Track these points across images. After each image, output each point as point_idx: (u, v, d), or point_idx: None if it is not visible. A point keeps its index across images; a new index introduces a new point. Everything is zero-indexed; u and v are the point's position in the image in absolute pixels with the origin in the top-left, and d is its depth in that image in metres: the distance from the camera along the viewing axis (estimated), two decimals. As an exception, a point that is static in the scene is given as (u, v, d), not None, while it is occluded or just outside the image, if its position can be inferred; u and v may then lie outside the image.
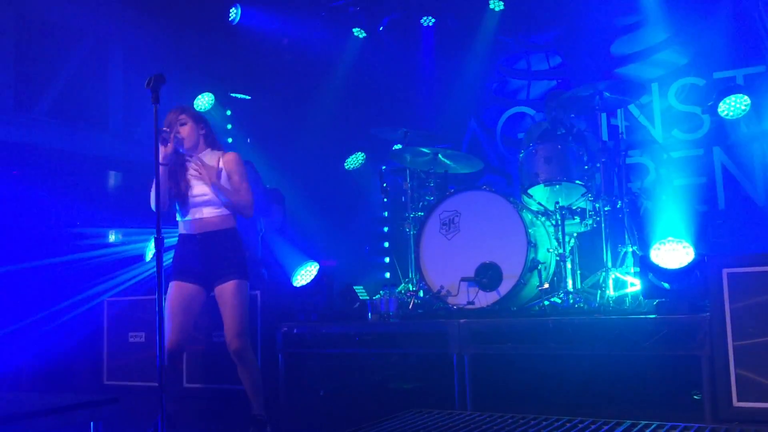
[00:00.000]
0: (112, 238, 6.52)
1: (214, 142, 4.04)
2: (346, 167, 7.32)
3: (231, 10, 7.72)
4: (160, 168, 3.68)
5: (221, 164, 3.93)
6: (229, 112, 8.15)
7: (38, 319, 6.00)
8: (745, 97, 5.70)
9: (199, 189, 3.90)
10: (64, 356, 6.04)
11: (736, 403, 3.65)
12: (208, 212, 3.89)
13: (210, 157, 3.95)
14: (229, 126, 8.17)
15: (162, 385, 3.07)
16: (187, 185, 3.91)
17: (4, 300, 5.91)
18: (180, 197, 3.92)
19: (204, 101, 7.78)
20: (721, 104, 5.78)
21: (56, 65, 7.28)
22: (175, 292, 3.85)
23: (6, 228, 6.10)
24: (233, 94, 8.14)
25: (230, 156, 3.96)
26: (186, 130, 3.91)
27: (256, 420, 3.90)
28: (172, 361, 3.84)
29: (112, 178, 7.60)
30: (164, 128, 3.84)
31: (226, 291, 3.82)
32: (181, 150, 3.92)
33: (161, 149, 3.73)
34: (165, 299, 3.85)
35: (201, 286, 3.89)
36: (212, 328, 5.33)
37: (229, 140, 8.20)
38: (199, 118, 4.01)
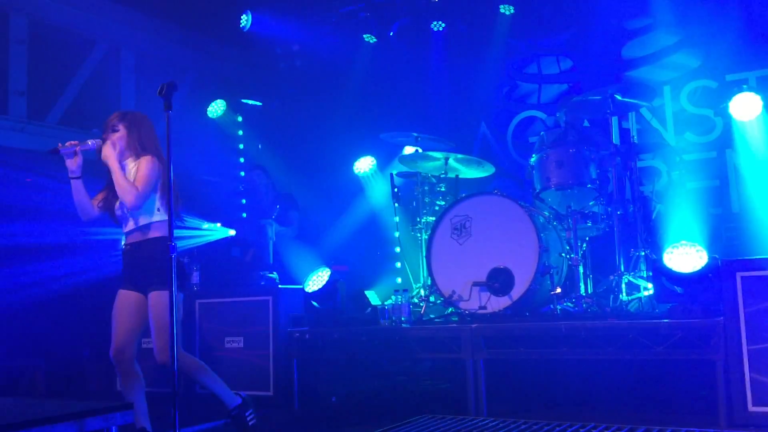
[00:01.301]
0: (124, 242, 6.54)
1: (144, 148, 3.75)
2: (356, 172, 7.33)
3: (242, 17, 7.75)
4: (75, 181, 3.65)
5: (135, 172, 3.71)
6: (240, 118, 8.18)
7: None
8: (758, 99, 5.66)
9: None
10: (78, 362, 6.07)
11: (750, 408, 3.62)
12: (130, 225, 3.76)
13: (131, 166, 3.75)
14: (241, 132, 8.20)
15: (174, 390, 3.08)
16: (114, 196, 3.76)
17: (15, 302, 5.95)
18: (108, 209, 3.81)
19: (216, 107, 7.84)
20: (733, 106, 5.75)
21: (69, 73, 7.33)
22: (118, 298, 3.80)
23: (18, 234, 6.14)
24: (244, 101, 8.17)
25: (140, 159, 3.71)
26: (116, 137, 3.73)
27: (233, 417, 3.88)
28: (118, 367, 3.73)
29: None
30: (65, 144, 3.63)
31: (150, 304, 3.70)
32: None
33: (67, 162, 3.63)
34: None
35: (141, 293, 3.77)
36: (225, 333, 5.36)
37: (241, 146, 8.23)
38: (135, 124, 3.77)
